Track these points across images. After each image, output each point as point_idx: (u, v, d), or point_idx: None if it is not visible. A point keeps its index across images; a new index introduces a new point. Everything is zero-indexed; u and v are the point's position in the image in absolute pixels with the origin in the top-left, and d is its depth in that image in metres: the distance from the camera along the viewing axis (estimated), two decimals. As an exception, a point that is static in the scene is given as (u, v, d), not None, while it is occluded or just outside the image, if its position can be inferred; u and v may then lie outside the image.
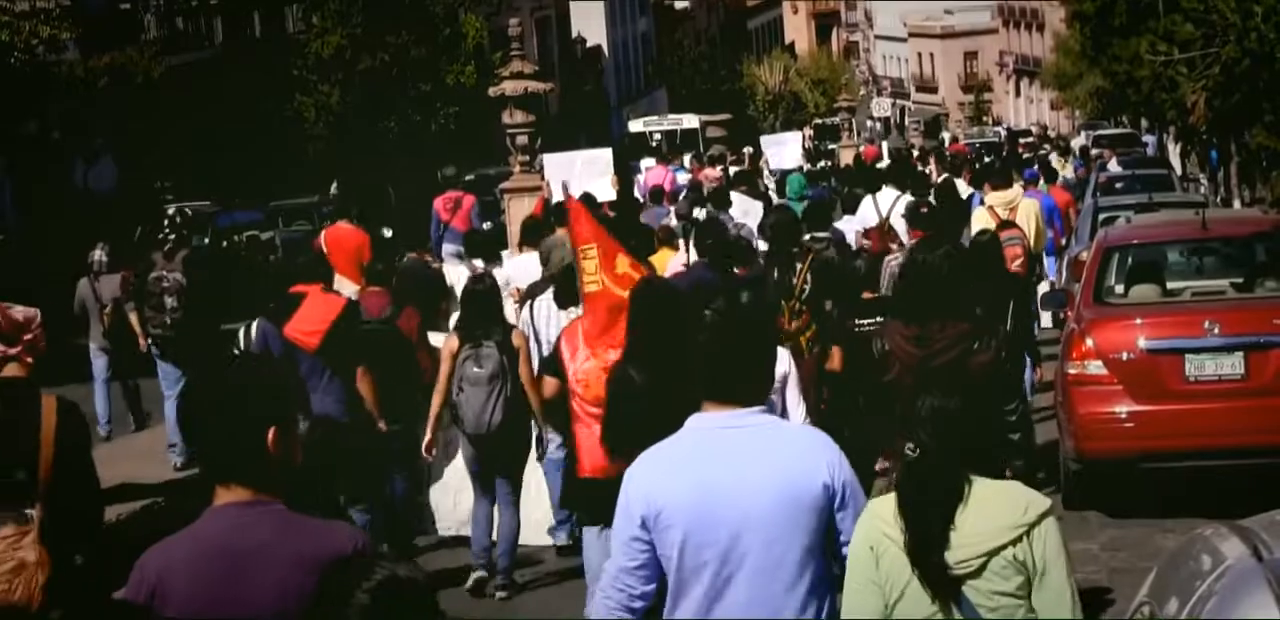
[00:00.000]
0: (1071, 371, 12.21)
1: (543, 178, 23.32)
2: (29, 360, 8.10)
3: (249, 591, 4.46)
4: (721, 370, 5.50)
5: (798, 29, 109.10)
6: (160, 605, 4.63)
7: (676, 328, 7.63)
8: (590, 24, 66.46)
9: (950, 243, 9.72)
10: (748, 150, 45.22)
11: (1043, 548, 5.27)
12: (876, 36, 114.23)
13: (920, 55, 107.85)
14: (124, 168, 35.93)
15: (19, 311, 8.14)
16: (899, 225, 15.72)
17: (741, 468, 5.40)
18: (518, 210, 22.92)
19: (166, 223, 15.14)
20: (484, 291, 11.28)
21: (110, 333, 16.80)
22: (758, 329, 5.81)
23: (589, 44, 66.45)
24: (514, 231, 20.19)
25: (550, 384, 9.79)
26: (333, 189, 37.87)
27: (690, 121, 56.78)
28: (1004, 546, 5.25)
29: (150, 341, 15.98)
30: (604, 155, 28.88)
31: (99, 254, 17.29)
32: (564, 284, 11.57)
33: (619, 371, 8.63)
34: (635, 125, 57.09)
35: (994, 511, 5.30)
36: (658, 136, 53.98)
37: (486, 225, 24.81)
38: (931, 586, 5.25)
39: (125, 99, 33.14)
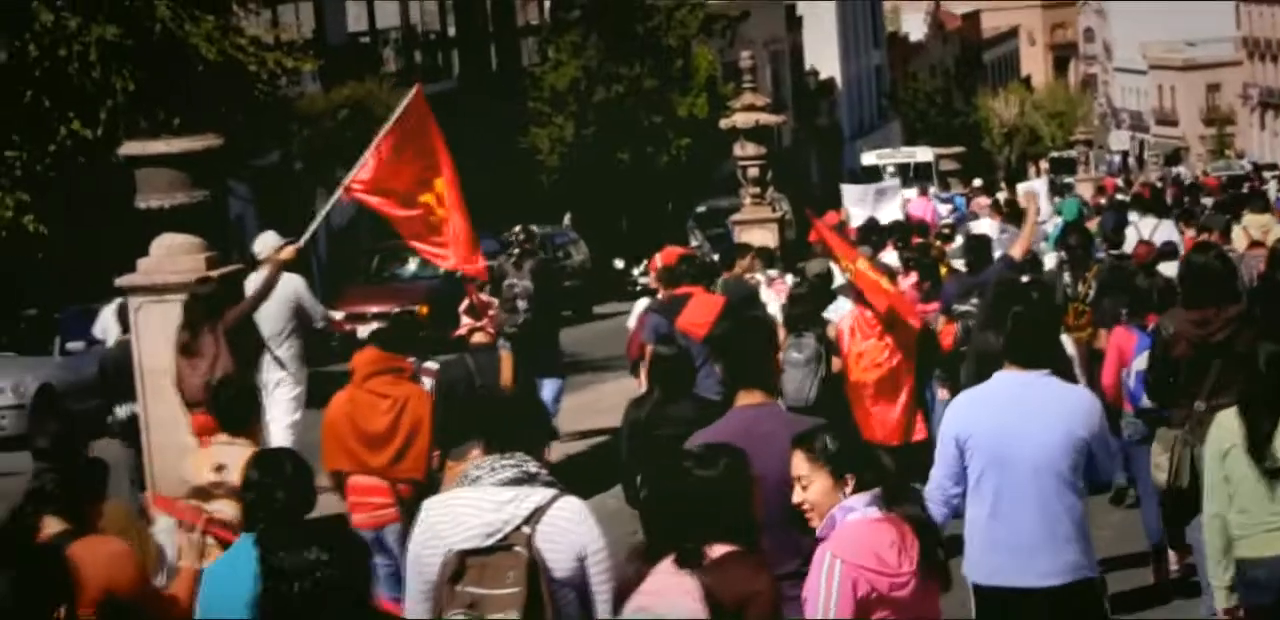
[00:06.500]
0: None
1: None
2: (491, 331, 12.13)
3: (760, 464, 6.10)
4: (1030, 343, 7.79)
5: (1034, 61, 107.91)
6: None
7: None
8: (824, 56, 66.23)
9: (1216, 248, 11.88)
10: (977, 182, 44.95)
11: None
12: (1115, 69, 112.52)
13: (1160, 88, 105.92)
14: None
15: (483, 295, 11.73)
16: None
17: (1030, 416, 7.57)
18: (748, 241, 22.97)
19: (513, 238, 17.92)
20: (806, 295, 14.33)
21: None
22: (1056, 318, 8.25)
23: (822, 76, 66.23)
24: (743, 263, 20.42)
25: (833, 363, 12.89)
26: (565, 220, 38.13)
27: (924, 154, 56.31)
28: None
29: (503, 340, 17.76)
30: (893, 185, 34.79)
31: None
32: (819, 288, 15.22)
33: (980, 337, 11.78)
34: (868, 158, 56.72)
35: None
36: (891, 169, 53.54)
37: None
38: (1266, 474, 7.52)
39: (365, 130, 33.65)
